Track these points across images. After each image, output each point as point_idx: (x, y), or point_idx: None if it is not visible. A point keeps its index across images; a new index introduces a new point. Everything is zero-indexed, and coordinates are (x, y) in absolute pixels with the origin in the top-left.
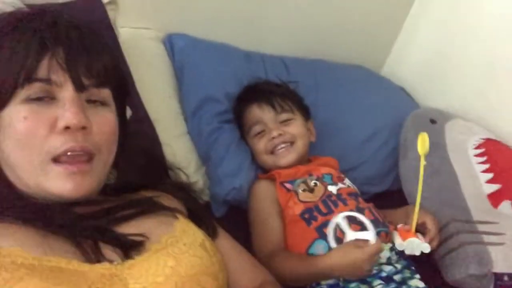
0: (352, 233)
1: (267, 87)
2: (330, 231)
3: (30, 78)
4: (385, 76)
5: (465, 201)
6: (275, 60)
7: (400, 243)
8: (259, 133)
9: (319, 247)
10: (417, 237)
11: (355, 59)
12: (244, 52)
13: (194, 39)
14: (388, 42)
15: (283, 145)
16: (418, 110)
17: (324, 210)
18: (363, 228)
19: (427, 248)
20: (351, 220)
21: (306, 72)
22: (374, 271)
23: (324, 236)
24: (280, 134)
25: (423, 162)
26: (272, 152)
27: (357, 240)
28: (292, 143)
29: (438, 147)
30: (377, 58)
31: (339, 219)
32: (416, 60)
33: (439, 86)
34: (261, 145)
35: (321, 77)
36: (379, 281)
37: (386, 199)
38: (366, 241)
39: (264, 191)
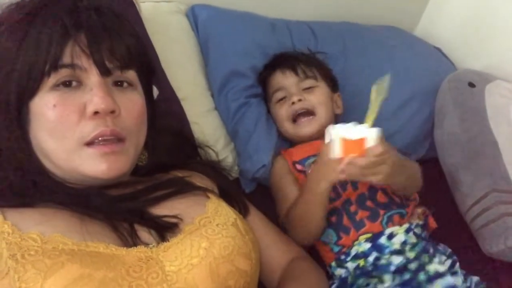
0: None
1: (292, 54)
2: None
3: (55, 66)
4: (419, 37)
5: (506, 170)
6: (301, 26)
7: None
8: (281, 99)
9: (328, 236)
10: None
11: (386, 19)
12: (269, 20)
13: (217, 10)
14: None
15: (304, 118)
16: (455, 73)
17: (331, 195)
18: None
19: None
20: None
21: (334, 37)
22: (383, 262)
23: (331, 225)
24: (300, 100)
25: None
26: (294, 121)
27: None
28: (313, 114)
29: (477, 112)
30: (410, 17)
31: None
32: (453, 18)
33: (479, 45)
34: (282, 111)
35: (350, 42)
36: (389, 276)
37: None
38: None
39: (280, 167)
